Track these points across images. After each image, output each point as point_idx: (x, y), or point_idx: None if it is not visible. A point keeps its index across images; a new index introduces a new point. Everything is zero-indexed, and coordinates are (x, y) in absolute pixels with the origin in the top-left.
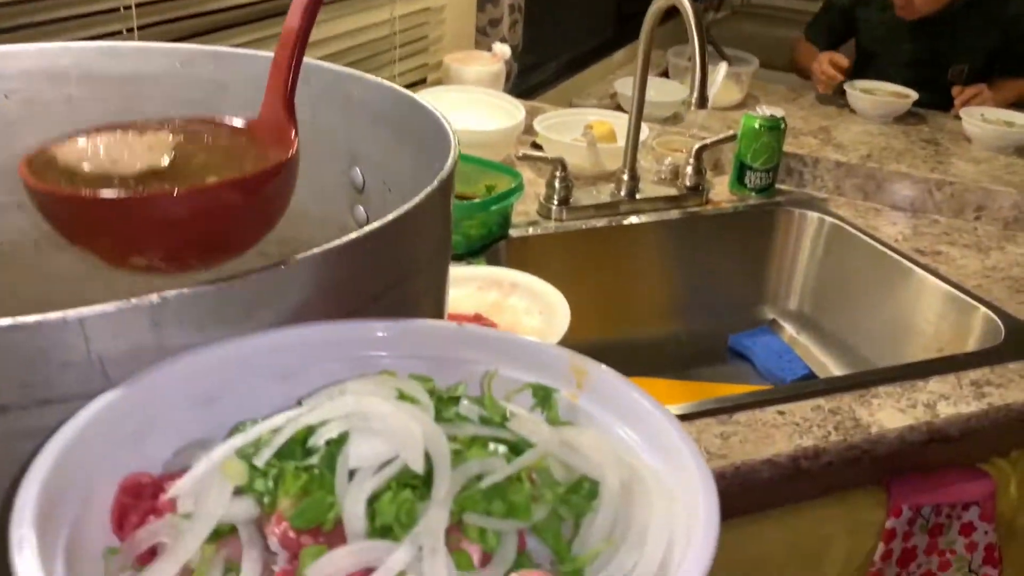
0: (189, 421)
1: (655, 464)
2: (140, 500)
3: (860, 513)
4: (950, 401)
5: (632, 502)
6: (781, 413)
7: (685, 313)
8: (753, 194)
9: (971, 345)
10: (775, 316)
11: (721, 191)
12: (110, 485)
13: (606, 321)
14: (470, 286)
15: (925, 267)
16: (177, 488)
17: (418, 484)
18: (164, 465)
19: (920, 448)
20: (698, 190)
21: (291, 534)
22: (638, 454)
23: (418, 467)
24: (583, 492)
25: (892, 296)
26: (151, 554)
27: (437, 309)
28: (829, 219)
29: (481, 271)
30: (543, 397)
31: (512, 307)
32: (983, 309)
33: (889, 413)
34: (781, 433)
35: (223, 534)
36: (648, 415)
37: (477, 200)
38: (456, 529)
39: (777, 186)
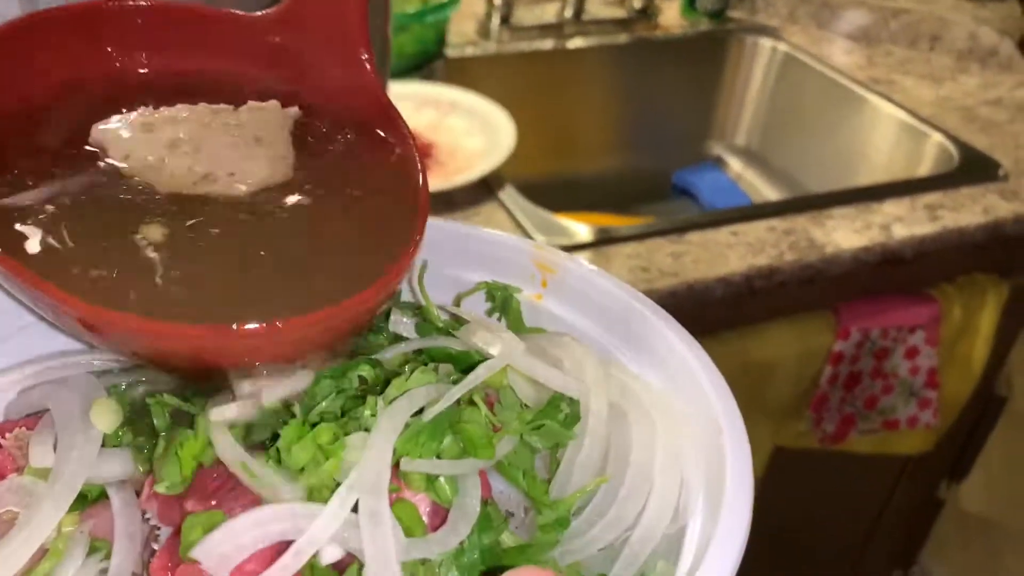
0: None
1: (651, 378)
2: None
3: (809, 336)
4: (904, 223)
5: (626, 428)
6: (735, 234)
7: (629, 147)
8: (704, 19)
9: (924, 172)
10: (721, 152)
11: (671, 16)
12: None
13: (547, 154)
14: (404, 105)
15: (879, 95)
16: (26, 437)
17: (342, 418)
18: (5, 409)
19: (871, 271)
20: (647, 13)
21: (168, 497)
22: (626, 366)
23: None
24: (560, 416)
25: (844, 127)
26: None
27: None
28: (782, 47)
29: (416, 88)
30: (502, 299)
31: (451, 127)
32: (937, 136)
33: (844, 234)
34: (735, 253)
35: (89, 500)
36: (637, 317)
37: (411, 11)
38: (395, 477)
39: (729, 14)
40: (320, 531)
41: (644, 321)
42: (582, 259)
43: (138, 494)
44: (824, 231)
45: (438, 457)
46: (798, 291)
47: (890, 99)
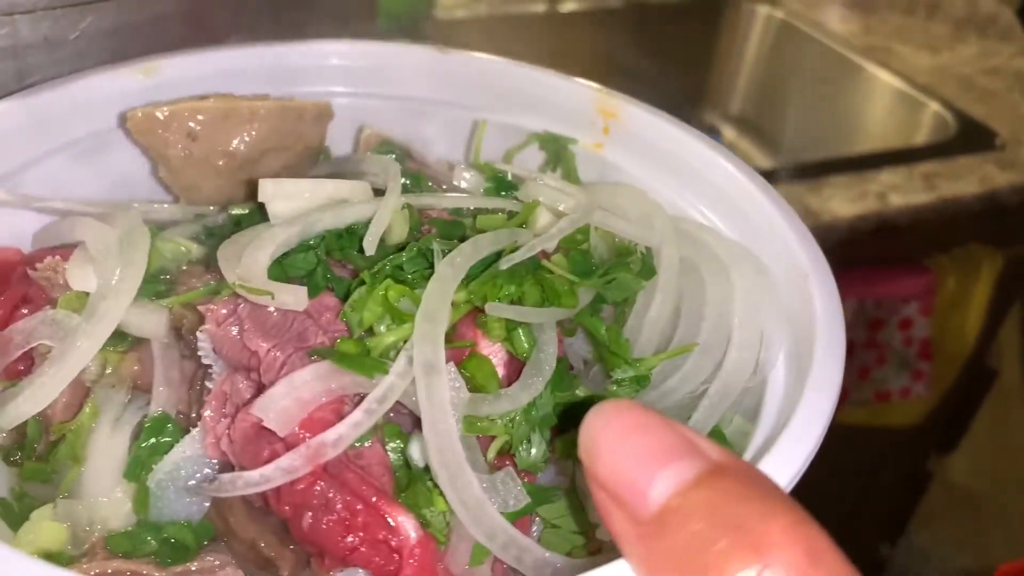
0: (71, 174)
1: (726, 229)
2: (5, 285)
3: None
4: (901, 192)
5: (699, 282)
6: None
7: None
8: None
9: (920, 142)
10: (715, 120)
11: None
12: None
13: None
14: None
15: (876, 64)
16: (59, 267)
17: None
18: (35, 237)
19: (866, 240)
20: None
21: (233, 330)
22: (696, 218)
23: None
24: (633, 266)
25: (840, 95)
26: (26, 362)
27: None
28: (778, 14)
29: None
30: (555, 150)
31: None
32: (934, 105)
33: (840, 202)
34: None
35: (130, 340)
36: (708, 163)
37: None
38: (471, 326)
39: None
40: (389, 387)
41: (719, 169)
42: (646, 104)
43: (178, 331)
44: (820, 199)
45: (519, 304)
46: None
47: (887, 67)
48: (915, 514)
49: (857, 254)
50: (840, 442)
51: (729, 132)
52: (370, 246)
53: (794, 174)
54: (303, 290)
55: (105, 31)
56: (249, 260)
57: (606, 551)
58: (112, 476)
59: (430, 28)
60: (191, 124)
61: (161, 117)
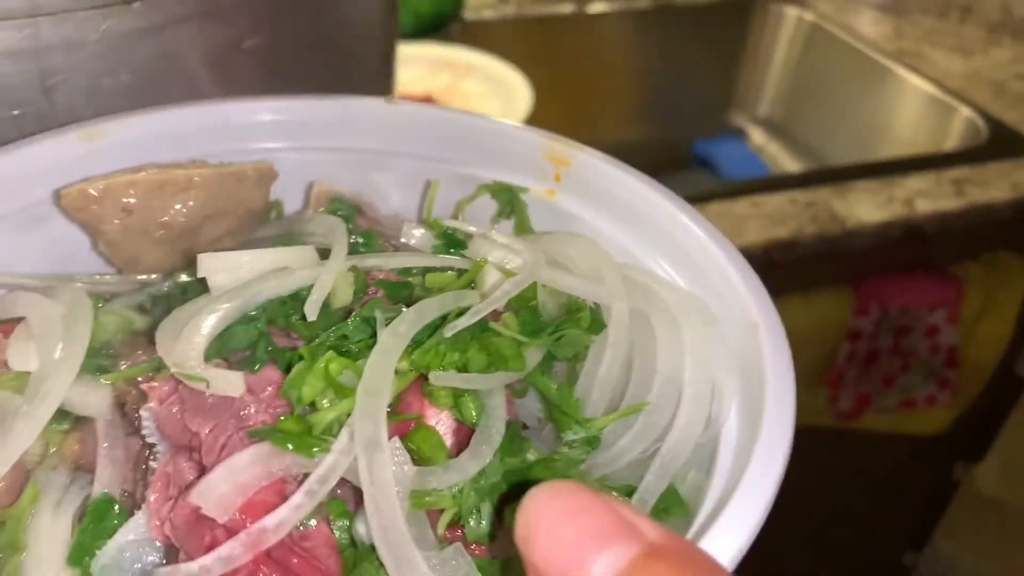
0: (10, 247)
1: (677, 278)
2: None
3: (827, 312)
4: (928, 198)
5: (650, 334)
6: (755, 205)
7: (649, 116)
8: None
9: (951, 147)
10: (743, 122)
11: None
12: None
13: (564, 121)
14: (419, 67)
15: (907, 68)
16: (0, 344)
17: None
18: None
19: (893, 247)
20: None
21: (174, 409)
22: (648, 267)
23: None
24: (582, 321)
25: (870, 99)
26: None
27: (386, 83)
28: (808, 16)
29: (432, 51)
30: (507, 200)
31: (466, 91)
32: (965, 110)
33: (866, 208)
34: (754, 224)
35: (71, 418)
36: (661, 212)
37: None
38: (417, 396)
39: None
40: (331, 466)
41: (669, 216)
42: (598, 152)
43: (122, 408)
44: (846, 204)
45: (464, 370)
46: (818, 265)
47: (918, 71)
48: (941, 523)
49: (883, 260)
50: (865, 450)
51: (757, 135)
52: (311, 312)
53: (820, 179)
54: (239, 376)
55: (126, 33)
56: (185, 345)
57: None
58: (54, 562)
59: (456, 28)
60: (125, 199)
61: (95, 194)
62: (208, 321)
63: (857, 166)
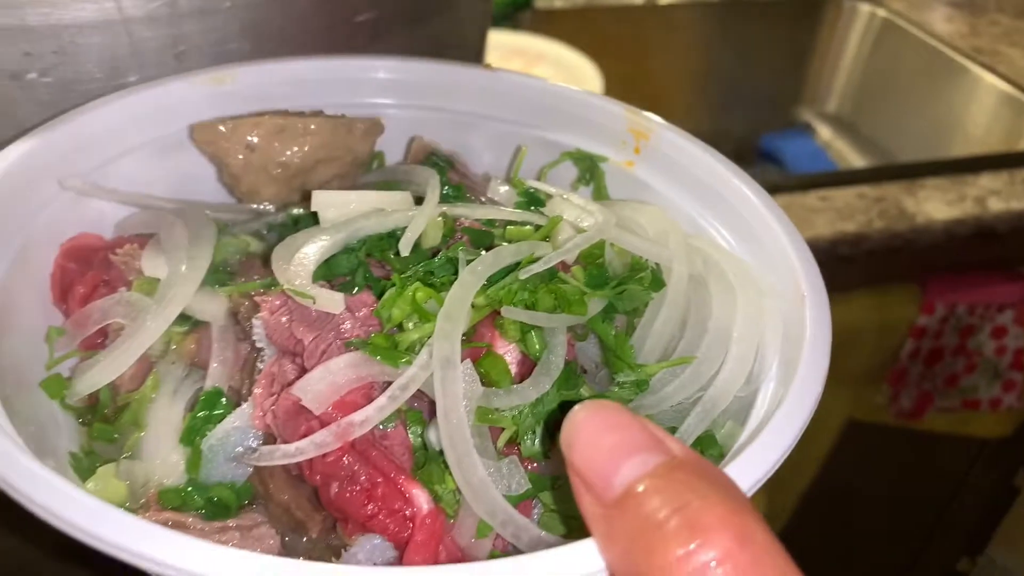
0: (148, 171)
1: (739, 250)
2: (88, 267)
3: (893, 308)
4: (1001, 196)
5: (706, 297)
6: (823, 199)
7: (716, 108)
8: None
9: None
10: (811, 118)
11: None
12: (49, 246)
13: None
14: (491, 54)
15: (981, 66)
16: (136, 254)
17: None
18: (116, 226)
19: (962, 245)
20: None
21: (283, 319)
22: (712, 237)
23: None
24: (643, 280)
25: (942, 97)
26: (101, 337)
27: (478, 50)
28: (881, 12)
29: (504, 38)
30: (587, 167)
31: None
32: None
33: (936, 205)
34: (822, 218)
35: (191, 321)
36: (728, 187)
37: None
38: (490, 328)
39: None
40: (411, 377)
41: (737, 193)
42: (678, 128)
43: (235, 316)
44: (916, 201)
45: (532, 309)
46: (885, 260)
47: (993, 70)
48: (998, 530)
49: (951, 258)
50: (925, 450)
51: (824, 131)
52: (405, 248)
53: (890, 175)
54: (340, 296)
55: (253, 3)
56: (296, 267)
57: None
58: (168, 441)
59: (528, 16)
60: (249, 137)
61: (223, 130)
62: (316, 248)
63: (928, 163)
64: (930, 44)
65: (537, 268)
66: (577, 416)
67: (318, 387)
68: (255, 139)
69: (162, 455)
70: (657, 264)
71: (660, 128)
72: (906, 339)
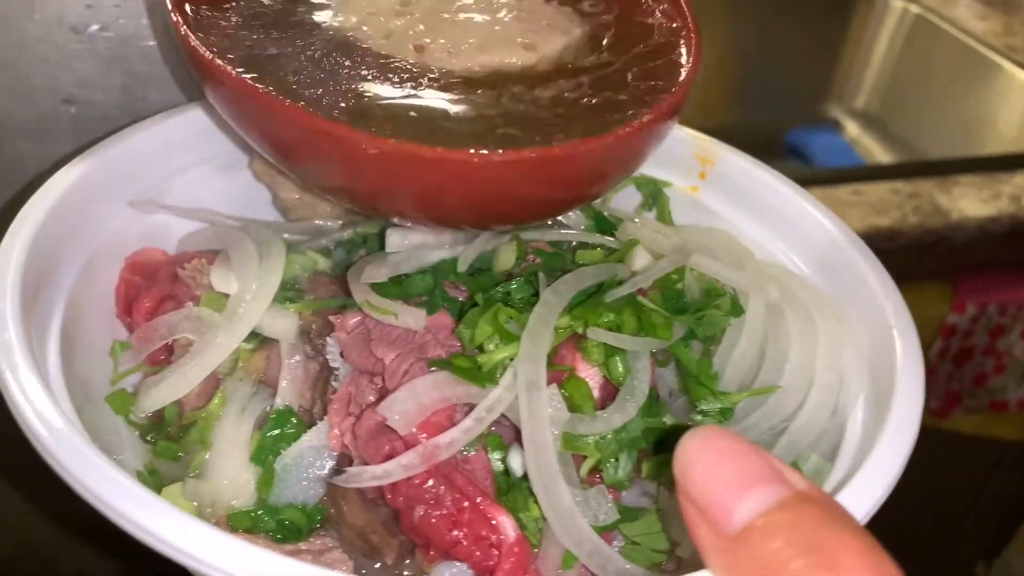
0: (208, 187)
1: (811, 277)
2: (153, 281)
3: (923, 305)
4: None
5: (783, 326)
6: (856, 193)
7: (743, 101)
8: None
9: None
10: (839, 114)
11: None
12: (113, 259)
13: None
14: None
15: (1015, 64)
16: (204, 269)
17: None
18: (180, 241)
19: (996, 243)
20: None
21: (361, 338)
22: (785, 265)
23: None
24: (722, 306)
25: (973, 95)
26: (166, 352)
27: None
28: (913, 8)
29: None
30: (651, 192)
31: None
32: None
33: (971, 202)
34: (856, 211)
35: (260, 338)
36: (800, 213)
37: None
38: (571, 350)
39: None
40: (497, 399)
41: (810, 220)
42: (743, 153)
43: (305, 335)
44: (950, 198)
45: (617, 332)
46: (918, 257)
47: None
48: (1016, 535)
49: (984, 257)
50: (948, 450)
51: (851, 127)
52: (463, 265)
53: (924, 171)
54: (422, 312)
55: None
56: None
57: (684, 569)
58: (236, 460)
59: None
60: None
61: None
62: (392, 268)
63: (962, 160)
64: (963, 41)
65: (623, 291)
66: (692, 442)
67: (404, 407)
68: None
69: (230, 475)
70: (734, 290)
71: (727, 153)
72: (936, 337)
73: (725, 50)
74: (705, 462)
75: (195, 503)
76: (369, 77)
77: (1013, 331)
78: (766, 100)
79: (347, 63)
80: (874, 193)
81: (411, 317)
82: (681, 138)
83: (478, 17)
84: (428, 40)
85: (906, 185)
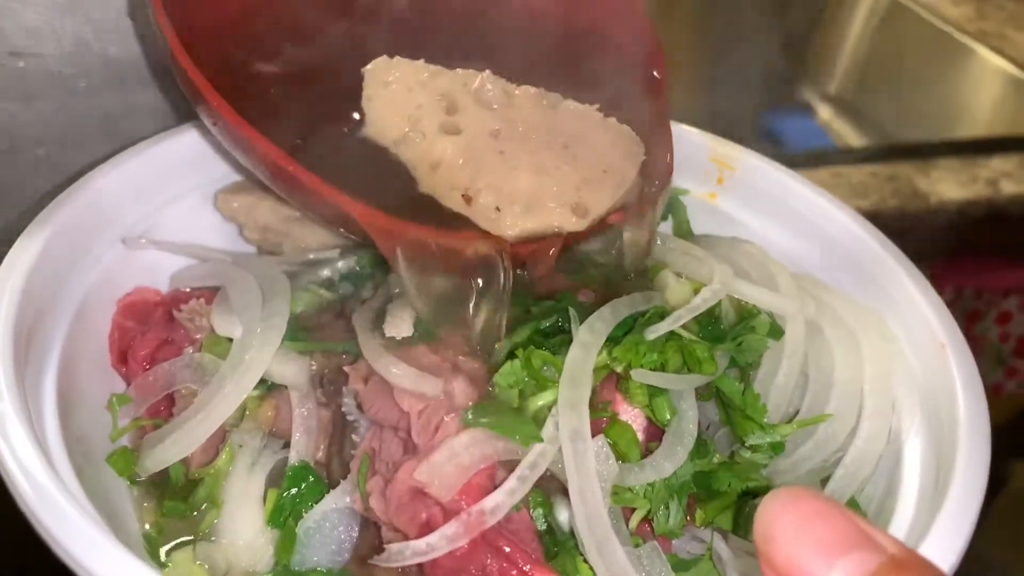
0: (199, 218)
1: (850, 291)
2: (147, 325)
3: None
4: (1013, 179)
5: (824, 346)
6: (836, 175)
7: (713, 85)
8: None
9: None
10: (811, 97)
11: None
12: (105, 302)
13: None
14: None
15: (989, 48)
16: (203, 310)
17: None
18: (173, 277)
19: (974, 227)
20: None
21: (380, 389)
22: (819, 278)
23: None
24: (759, 329)
25: (947, 80)
26: (167, 403)
27: None
28: None
29: None
30: (668, 202)
31: None
32: None
33: (949, 186)
34: (834, 195)
35: (268, 386)
36: (832, 222)
37: None
38: (612, 390)
39: None
40: (540, 453)
41: (842, 227)
42: (766, 157)
43: (320, 379)
44: (929, 181)
45: (661, 371)
46: (896, 240)
47: (1000, 53)
48: (983, 522)
49: (961, 241)
50: None
51: (825, 110)
52: None
53: (902, 154)
54: (437, 381)
55: None
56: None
57: None
58: (250, 521)
59: None
60: (265, 221)
61: (237, 207)
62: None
63: (941, 143)
64: (936, 26)
65: (668, 326)
66: (773, 506)
67: (444, 471)
68: (271, 222)
69: (245, 537)
70: (771, 312)
71: (746, 156)
72: None
73: (698, 34)
74: (789, 528)
75: (206, 565)
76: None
77: (989, 316)
78: (738, 85)
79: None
80: (855, 175)
81: (428, 385)
82: (696, 142)
83: (527, 155)
84: (478, 187)
85: (885, 168)
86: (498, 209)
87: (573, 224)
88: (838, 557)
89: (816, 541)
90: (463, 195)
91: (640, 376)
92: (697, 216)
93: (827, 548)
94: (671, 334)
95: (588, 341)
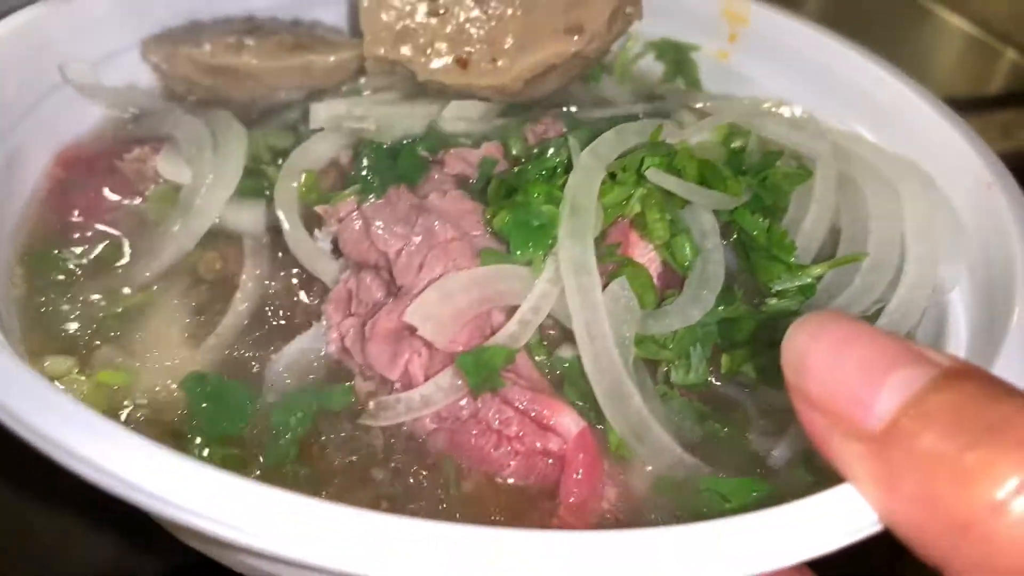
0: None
1: (880, 140)
2: (90, 174)
3: None
4: None
5: (858, 195)
6: None
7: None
8: None
9: (995, 91)
10: None
11: None
12: (41, 151)
13: None
14: None
15: (949, 9)
16: (148, 159)
17: None
18: (117, 132)
19: None
20: None
21: (357, 228)
22: (844, 129)
23: None
24: (789, 168)
25: (906, 40)
26: None
27: None
28: None
29: None
30: (673, 59)
31: None
32: (1010, 53)
33: None
34: None
35: (220, 237)
36: (857, 69)
37: None
38: (624, 231)
39: None
40: (542, 295)
41: (873, 76)
42: (781, 8)
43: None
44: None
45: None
46: None
47: (960, 12)
48: None
49: None
50: None
51: None
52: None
53: None
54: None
55: None
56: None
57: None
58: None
59: None
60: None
61: (156, 61)
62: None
63: None
64: None
65: (680, 134)
66: (802, 334)
67: (438, 313)
68: (189, 72)
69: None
70: (798, 156)
71: (761, 9)
72: None
73: None
74: (824, 354)
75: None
76: None
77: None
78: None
79: None
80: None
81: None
82: None
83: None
84: (469, 50)
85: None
86: (494, 60)
87: (572, 44)
88: (885, 376)
89: (858, 364)
90: (457, 61)
91: (655, 176)
92: (710, 77)
93: (871, 370)
94: (688, 150)
95: (591, 165)
